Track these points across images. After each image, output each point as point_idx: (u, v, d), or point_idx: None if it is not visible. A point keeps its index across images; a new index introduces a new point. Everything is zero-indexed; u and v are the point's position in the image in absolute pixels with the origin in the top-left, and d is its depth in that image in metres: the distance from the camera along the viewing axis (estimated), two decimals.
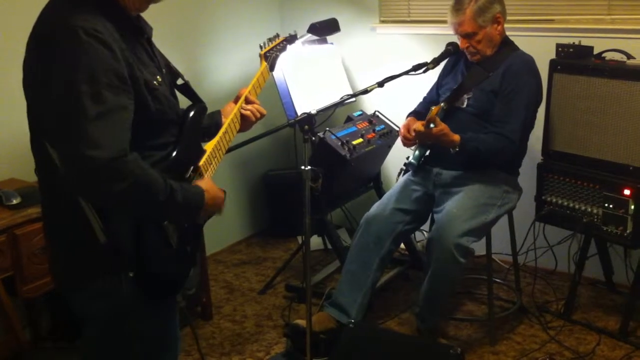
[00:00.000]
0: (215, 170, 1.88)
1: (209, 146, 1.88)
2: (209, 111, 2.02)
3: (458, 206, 2.86)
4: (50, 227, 1.72)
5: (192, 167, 1.77)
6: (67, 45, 1.46)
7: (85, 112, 1.43)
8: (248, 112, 2.09)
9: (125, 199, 1.51)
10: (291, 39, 2.47)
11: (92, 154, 1.42)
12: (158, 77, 1.67)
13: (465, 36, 2.96)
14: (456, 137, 2.83)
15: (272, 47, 2.34)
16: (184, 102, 1.86)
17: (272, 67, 2.32)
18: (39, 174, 1.66)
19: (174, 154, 1.71)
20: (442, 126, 2.79)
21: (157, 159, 1.66)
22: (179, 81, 1.87)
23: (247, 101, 2.11)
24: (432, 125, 2.76)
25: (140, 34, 1.68)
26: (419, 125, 2.86)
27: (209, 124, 2.02)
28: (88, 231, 1.56)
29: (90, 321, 1.73)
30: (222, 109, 2.11)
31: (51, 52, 1.48)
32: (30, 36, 1.57)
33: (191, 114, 1.80)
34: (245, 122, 2.09)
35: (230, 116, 2.02)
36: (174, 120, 1.73)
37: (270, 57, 2.31)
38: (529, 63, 2.99)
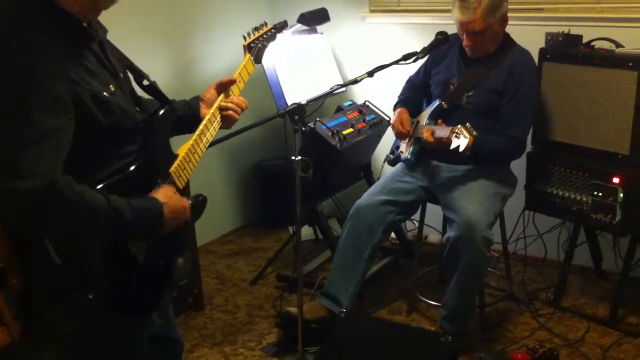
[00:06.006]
0: (189, 175, 1.76)
1: (181, 150, 1.75)
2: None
3: (474, 202, 2.81)
4: (15, 245, 1.64)
5: (161, 175, 1.67)
6: (3, 63, 1.38)
7: (15, 139, 1.34)
8: (230, 113, 1.94)
9: (64, 227, 1.42)
10: (281, 27, 2.29)
11: (16, 186, 1.32)
12: (111, 86, 1.56)
13: (473, 34, 2.88)
14: None
15: (258, 37, 2.17)
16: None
17: (257, 59, 2.15)
18: None
19: (136, 163, 1.60)
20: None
21: (118, 169, 1.57)
22: (145, 82, 1.77)
23: (227, 94, 1.99)
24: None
25: (90, 39, 1.56)
26: (428, 135, 2.83)
27: (187, 115, 1.89)
28: (45, 252, 1.48)
29: (62, 337, 1.66)
30: (202, 94, 1.98)
31: None
32: None
33: (158, 116, 1.68)
34: (227, 121, 1.95)
35: (207, 116, 1.88)
36: (133, 128, 1.62)
37: (255, 48, 2.14)
38: (530, 61, 2.99)
